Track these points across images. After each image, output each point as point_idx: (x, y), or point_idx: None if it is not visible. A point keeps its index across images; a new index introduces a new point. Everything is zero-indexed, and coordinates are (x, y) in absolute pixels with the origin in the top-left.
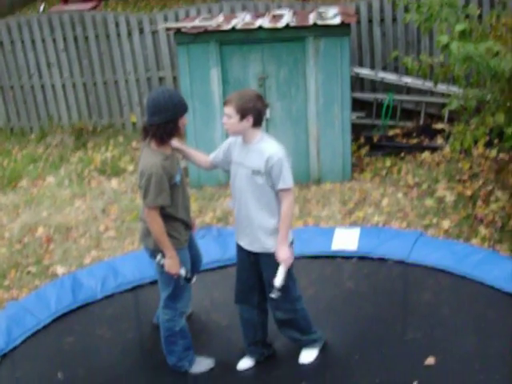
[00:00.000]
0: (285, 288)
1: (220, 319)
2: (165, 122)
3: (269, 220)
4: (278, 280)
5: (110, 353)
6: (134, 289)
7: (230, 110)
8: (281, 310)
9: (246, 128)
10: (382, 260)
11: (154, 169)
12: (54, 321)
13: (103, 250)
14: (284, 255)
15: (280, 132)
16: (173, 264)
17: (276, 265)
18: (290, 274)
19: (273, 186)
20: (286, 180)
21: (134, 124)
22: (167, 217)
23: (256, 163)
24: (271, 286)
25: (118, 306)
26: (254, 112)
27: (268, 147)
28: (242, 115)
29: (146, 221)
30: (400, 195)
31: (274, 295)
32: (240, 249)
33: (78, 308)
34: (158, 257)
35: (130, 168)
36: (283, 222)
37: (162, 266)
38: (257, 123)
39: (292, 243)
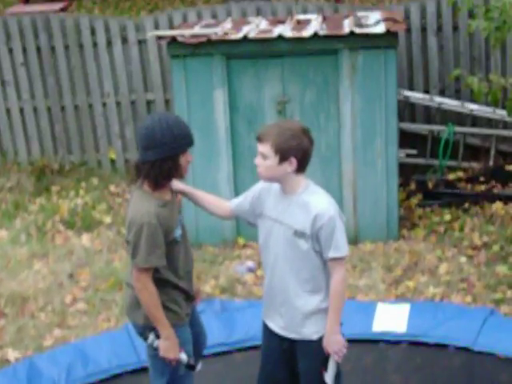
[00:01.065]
0: (322, 382)
1: None
2: (161, 158)
3: (312, 298)
4: (329, 376)
5: None
6: (109, 379)
7: (266, 148)
8: None
9: (286, 173)
10: (439, 346)
11: (146, 218)
12: None
13: (70, 328)
14: (335, 345)
15: (305, 173)
16: (170, 346)
17: (318, 355)
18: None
19: (320, 253)
20: (340, 246)
21: (112, 162)
22: (163, 283)
23: (300, 222)
24: (307, 382)
25: None
26: (299, 152)
27: (316, 201)
28: (283, 156)
29: (135, 287)
30: (463, 259)
31: None
32: (269, 332)
33: None
34: (151, 336)
35: (107, 220)
36: (334, 301)
37: (155, 349)
38: (301, 168)
39: (341, 325)
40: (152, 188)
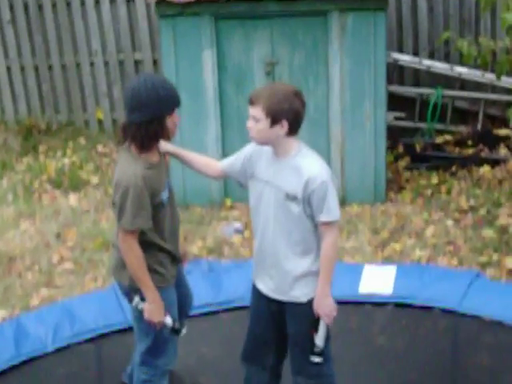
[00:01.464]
0: (312, 345)
1: (209, 382)
2: (147, 120)
3: (302, 260)
4: (320, 338)
5: None
6: (96, 339)
7: (257, 111)
8: (304, 374)
9: (278, 136)
10: (425, 308)
11: (133, 180)
12: None
13: (57, 287)
14: (326, 308)
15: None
16: (155, 310)
17: (307, 317)
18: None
19: (312, 217)
20: (332, 210)
21: (100, 122)
22: (149, 245)
23: (291, 185)
24: (296, 344)
25: (74, 361)
26: (291, 115)
27: (309, 165)
28: (274, 119)
29: (121, 249)
30: (450, 223)
31: (315, 359)
32: (258, 294)
33: (22, 363)
34: (136, 299)
35: (95, 180)
36: (325, 265)
37: (139, 312)
38: (293, 130)
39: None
40: (139, 150)
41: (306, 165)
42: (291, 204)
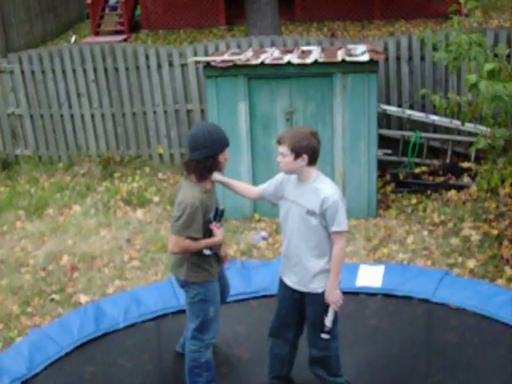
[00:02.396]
0: (323, 325)
1: (242, 353)
2: (204, 157)
3: (319, 261)
4: (329, 320)
5: (131, 383)
6: (156, 319)
7: (284, 148)
8: (317, 347)
9: (300, 167)
10: (406, 298)
11: (191, 200)
12: (76, 349)
13: (127, 279)
14: (334, 297)
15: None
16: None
17: (321, 304)
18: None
19: (326, 227)
20: (341, 223)
21: (160, 155)
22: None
23: (311, 203)
24: (312, 324)
25: (140, 336)
26: (309, 150)
27: (324, 188)
28: (297, 154)
29: (174, 252)
30: (425, 233)
31: (325, 336)
32: (284, 285)
33: (101, 337)
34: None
35: (156, 199)
36: (335, 264)
37: (193, 297)
38: (312, 161)
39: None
40: (197, 179)
41: (322, 188)
42: (311, 218)
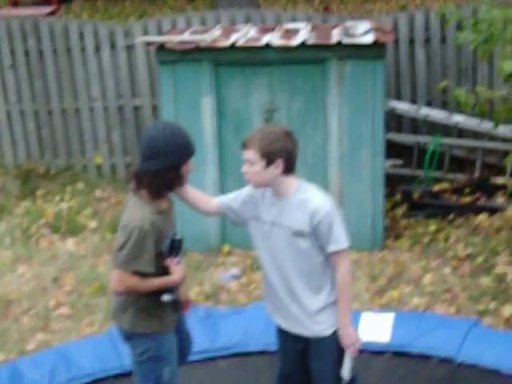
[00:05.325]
0: (338, 380)
1: None
2: (164, 168)
3: (318, 295)
4: (346, 371)
5: None
6: None
7: (251, 154)
8: None
9: (275, 176)
10: (422, 357)
11: (139, 222)
12: None
13: (53, 332)
14: (349, 339)
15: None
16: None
17: (331, 353)
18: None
19: (321, 249)
20: (339, 239)
21: (98, 166)
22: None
23: (297, 222)
24: (324, 381)
25: None
26: (284, 154)
27: (311, 199)
28: (269, 160)
29: (116, 291)
30: (447, 270)
31: None
32: (284, 334)
33: None
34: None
35: (92, 224)
36: (342, 294)
37: (139, 356)
38: (289, 169)
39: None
40: (152, 197)
41: (309, 199)
42: (299, 240)
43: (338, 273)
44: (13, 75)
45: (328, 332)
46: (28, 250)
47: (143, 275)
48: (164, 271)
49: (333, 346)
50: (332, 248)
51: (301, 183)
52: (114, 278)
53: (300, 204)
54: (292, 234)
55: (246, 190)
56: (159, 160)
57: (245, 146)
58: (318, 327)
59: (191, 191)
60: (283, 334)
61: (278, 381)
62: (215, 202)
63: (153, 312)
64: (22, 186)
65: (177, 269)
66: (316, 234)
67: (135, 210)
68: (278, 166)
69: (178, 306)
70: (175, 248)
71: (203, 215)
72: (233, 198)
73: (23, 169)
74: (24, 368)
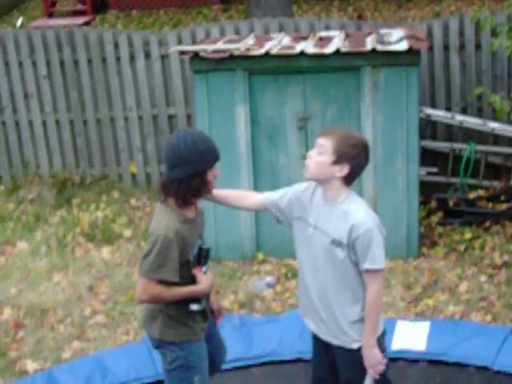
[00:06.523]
0: None
1: None
2: (189, 176)
3: (353, 306)
4: None
5: None
6: None
7: (326, 142)
8: None
9: (333, 177)
10: (459, 366)
11: (164, 231)
12: None
13: (88, 340)
14: (372, 360)
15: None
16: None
17: (358, 366)
18: (383, 378)
19: (356, 264)
20: (376, 258)
21: (133, 175)
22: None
23: (338, 231)
24: None
25: None
26: (354, 163)
27: (355, 212)
28: (338, 159)
29: (141, 300)
30: (483, 278)
31: None
32: (318, 344)
33: None
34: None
35: (128, 233)
36: (369, 315)
37: (169, 364)
38: (349, 179)
39: (383, 335)
40: (178, 205)
41: (353, 211)
42: (337, 249)
43: (368, 292)
44: (48, 85)
45: (356, 345)
46: (63, 259)
47: (168, 284)
48: (192, 280)
49: (361, 360)
50: (366, 266)
51: (351, 194)
52: (138, 287)
53: (343, 214)
54: (330, 241)
55: (294, 190)
56: (183, 168)
57: (324, 134)
58: (347, 338)
59: (229, 192)
60: (316, 339)
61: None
62: (261, 197)
63: (181, 320)
64: (57, 195)
65: (204, 278)
66: (353, 248)
67: (161, 219)
68: (343, 170)
69: (208, 314)
70: (202, 257)
71: (245, 210)
72: (280, 197)
73: (59, 178)
74: (60, 376)
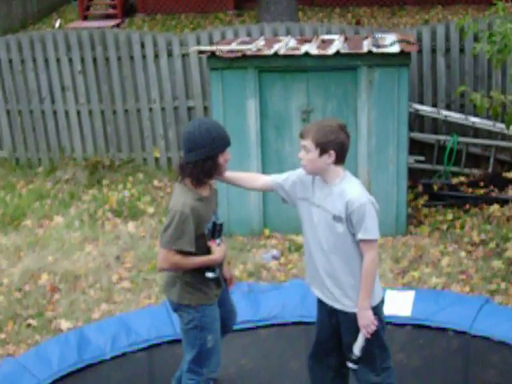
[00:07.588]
0: (369, 356)
1: None
2: (202, 159)
3: (354, 273)
4: (357, 348)
5: None
6: (148, 348)
7: (307, 142)
8: (362, 382)
9: (326, 165)
10: (439, 330)
11: (181, 207)
12: (56, 382)
13: (115, 303)
14: (364, 320)
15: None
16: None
17: (357, 329)
18: (378, 340)
19: (354, 236)
20: (369, 229)
21: (156, 159)
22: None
23: (337, 208)
24: (350, 352)
25: (129, 368)
26: (337, 146)
27: (350, 189)
28: (323, 150)
29: (163, 268)
30: (463, 254)
31: (351, 365)
32: (322, 308)
33: (84, 368)
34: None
35: (151, 210)
36: (364, 280)
37: (187, 323)
38: (340, 159)
39: (382, 303)
40: (194, 185)
41: (348, 189)
42: (337, 224)
43: (364, 259)
44: (82, 79)
45: (356, 309)
46: (94, 232)
47: (186, 254)
48: (208, 251)
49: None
50: (361, 236)
51: (346, 174)
52: (160, 256)
53: (340, 193)
54: (332, 217)
55: (298, 173)
56: (197, 152)
57: (302, 135)
58: (348, 302)
59: (241, 174)
60: (320, 305)
61: (314, 345)
62: (268, 179)
63: (197, 286)
64: (89, 176)
65: (217, 249)
66: (350, 221)
67: (179, 197)
68: (331, 156)
69: (221, 281)
70: (216, 231)
71: (255, 191)
72: (285, 179)
73: (91, 161)
74: (90, 334)
